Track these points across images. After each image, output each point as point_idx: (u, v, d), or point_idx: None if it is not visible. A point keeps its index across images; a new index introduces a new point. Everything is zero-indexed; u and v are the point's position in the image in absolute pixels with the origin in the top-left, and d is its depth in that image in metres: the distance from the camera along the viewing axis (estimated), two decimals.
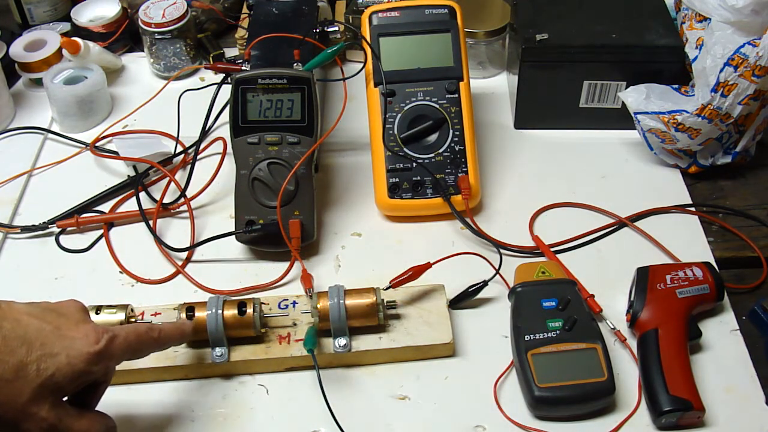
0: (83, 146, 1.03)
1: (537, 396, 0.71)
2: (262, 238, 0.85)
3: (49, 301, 0.64)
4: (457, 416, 0.73)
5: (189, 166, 0.95)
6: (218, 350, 0.75)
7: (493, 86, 1.10)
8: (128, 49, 1.19)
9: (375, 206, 0.92)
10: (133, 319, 0.76)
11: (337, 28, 1.01)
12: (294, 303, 0.80)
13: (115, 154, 0.99)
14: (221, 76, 0.99)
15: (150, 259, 0.88)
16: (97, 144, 1.01)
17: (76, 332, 0.61)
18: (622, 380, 0.74)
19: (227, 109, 0.94)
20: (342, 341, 0.76)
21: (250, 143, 0.85)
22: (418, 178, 0.89)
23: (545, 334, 0.74)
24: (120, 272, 0.87)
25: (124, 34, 1.16)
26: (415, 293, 0.80)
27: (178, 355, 0.76)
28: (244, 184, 0.85)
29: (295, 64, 0.86)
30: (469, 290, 0.81)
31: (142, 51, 1.15)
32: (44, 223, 0.92)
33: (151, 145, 0.99)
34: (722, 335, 0.78)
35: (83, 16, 1.16)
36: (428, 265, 0.79)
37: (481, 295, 0.81)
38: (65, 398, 0.61)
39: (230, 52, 1.16)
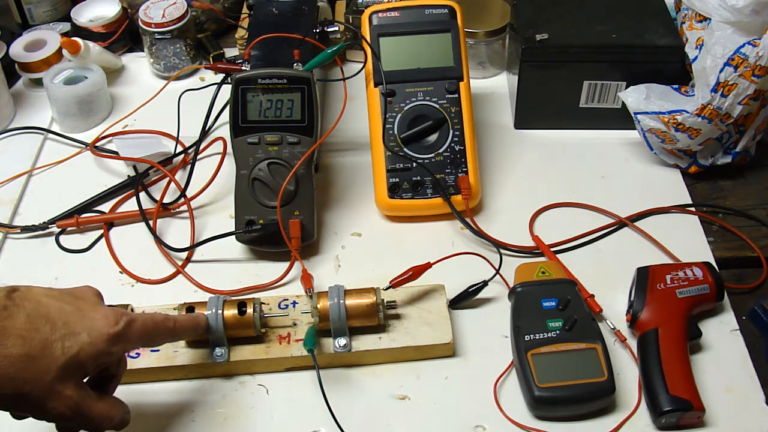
0: (83, 146, 1.03)
1: (537, 396, 0.71)
2: (262, 238, 0.85)
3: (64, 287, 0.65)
4: (457, 416, 0.73)
5: (189, 166, 0.95)
6: (218, 350, 0.75)
7: (493, 86, 1.10)
8: (128, 49, 1.19)
9: (375, 206, 0.92)
10: None
11: (337, 28, 1.01)
12: (294, 303, 0.80)
13: (115, 154, 0.99)
14: (221, 76, 0.99)
15: (150, 259, 0.88)
16: (97, 144, 1.01)
17: (96, 313, 0.61)
18: (622, 380, 0.74)
19: (227, 109, 0.94)
20: (342, 341, 0.76)
21: (250, 143, 0.85)
22: (418, 178, 0.89)
23: (545, 334, 0.74)
24: (120, 272, 0.87)
25: (124, 34, 1.16)
26: (415, 293, 0.80)
27: (178, 355, 0.76)
28: (244, 184, 0.85)
29: (295, 64, 0.86)
30: (469, 290, 0.81)
31: (142, 51, 1.14)
32: (44, 223, 0.92)
33: (151, 145, 0.99)
34: (722, 335, 0.78)
35: (83, 16, 1.16)
36: (428, 265, 0.79)
37: (481, 295, 0.81)
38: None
39: (230, 52, 1.16)
